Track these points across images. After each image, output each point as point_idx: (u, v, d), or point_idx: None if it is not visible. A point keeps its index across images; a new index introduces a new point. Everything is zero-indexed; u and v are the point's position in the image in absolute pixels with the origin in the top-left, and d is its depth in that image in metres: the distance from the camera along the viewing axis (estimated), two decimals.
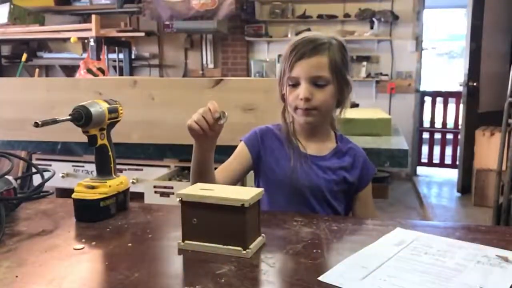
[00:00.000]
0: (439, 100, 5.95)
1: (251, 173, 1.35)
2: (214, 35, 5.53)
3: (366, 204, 1.36)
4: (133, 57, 5.40)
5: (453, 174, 5.25)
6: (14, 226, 1.03)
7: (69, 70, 5.48)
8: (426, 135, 5.88)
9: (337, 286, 0.74)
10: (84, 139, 1.10)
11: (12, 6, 4.62)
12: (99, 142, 1.10)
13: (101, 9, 5.20)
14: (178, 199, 0.89)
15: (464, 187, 4.73)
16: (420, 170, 5.75)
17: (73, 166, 2.78)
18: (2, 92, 2.35)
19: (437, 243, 0.92)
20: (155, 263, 0.86)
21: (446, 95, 6.03)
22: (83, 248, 0.90)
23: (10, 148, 2.32)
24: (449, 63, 9.61)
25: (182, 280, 0.79)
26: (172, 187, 2.44)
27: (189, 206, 0.89)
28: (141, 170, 2.69)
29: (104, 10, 5.21)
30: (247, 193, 0.88)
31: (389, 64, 5.30)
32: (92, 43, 4.17)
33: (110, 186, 1.09)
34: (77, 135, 1.16)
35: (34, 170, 1.22)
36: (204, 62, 5.65)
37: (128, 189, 1.15)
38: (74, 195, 1.08)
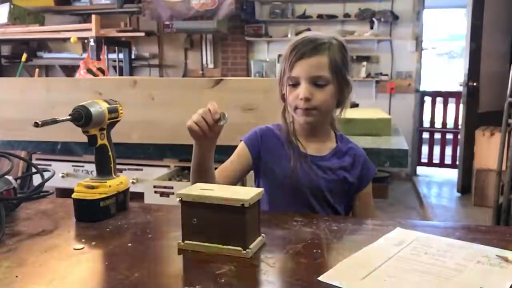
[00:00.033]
0: (439, 100, 5.95)
1: (251, 173, 1.35)
2: (214, 35, 5.53)
3: (366, 204, 1.36)
4: (133, 57, 5.40)
5: (453, 174, 5.25)
6: (14, 226, 1.03)
7: (69, 70, 5.49)
8: (426, 135, 5.88)
9: (337, 286, 0.74)
10: (84, 139, 1.10)
11: (12, 6, 4.62)
12: (99, 142, 1.10)
13: (101, 9, 5.20)
14: (178, 199, 0.89)
15: (464, 187, 4.73)
16: (420, 170, 5.75)
17: (73, 166, 2.78)
18: (2, 92, 2.35)
19: (437, 243, 0.92)
20: (155, 263, 0.86)
21: (446, 95, 6.03)
22: (83, 248, 0.90)
23: (10, 148, 2.32)
24: (449, 63, 9.61)
25: (182, 280, 0.79)
26: (172, 187, 2.44)
27: (189, 206, 0.89)
28: (141, 170, 2.69)
29: (104, 10, 5.21)
30: (247, 193, 0.88)
31: (389, 64, 5.30)
32: (92, 43, 4.16)
33: (110, 186, 1.09)
34: (77, 135, 1.16)
35: (34, 170, 1.22)
36: (204, 62, 5.65)
37: (128, 189, 1.15)
38: (74, 195, 1.08)
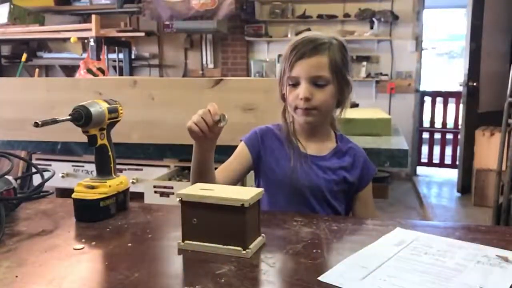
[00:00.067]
0: (439, 100, 5.95)
1: (251, 173, 1.35)
2: (214, 35, 5.53)
3: (367, 204, 1.36)
4: (133, 57, 5.40)
5: (453, 174, 5.25)
6: (14, 226, 1.03)
7: (69, 70, 5.49)
8: (426, 135, 5.89)
9: (337, 286, 0.74)
10: (84, 139, 1.10)
11: (12, 6, 4.62)
12: (99, 142, 1.10)
13: (101, 9, 5.20)
14: (178, 199, 0.89)
15: (464, 187, 4.73)
16: (420, 170, 5.75)
17: (73, 166, 2.78)
18: (2, 92, 2.35)
19: (437, 243, 0.92)
20: (155, 263, 0.86)
21: (446, 95, 6.03)
22: (83, 248, 0.90)
23: (10, 148, 2.32)
24: (449, 63, 9.61)
25: (182, 280, 0.79)
26: (172, 187, 2.44)
27: (189, 206, 0.89)
28: (141, 170, 2.69)
29: (104, 10, 5.21)
30: (247, 193, 0.88)
31: (389, 64, 5.30)
32: (92, 43, 4.16)
33: (110, 186, 1.09)
34: (77, 135, 1.16)
35: (34, 170, 1.22)
36: (204, 62, 5.65)
37: (128, 189, 1.15)
38: (74, 195, 1.08)
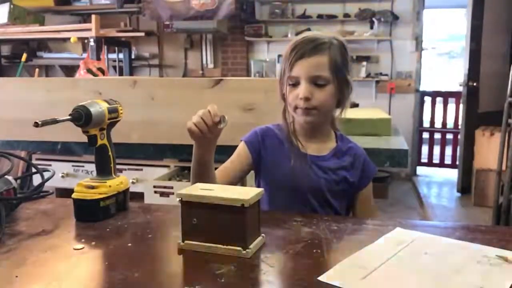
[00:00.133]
0: (439, 100, 5.95)
1: (251, 173, 1.35)
2: (214, 35, 5.53)
3: (367, 204, 1.35)
4: (133, 57, 5.40)
5: (453, 174, 5.25)
6: (14, 226, 1.03)
7: (69, 70, 5.49)
8: (426, 135, 5.88)
9: (337, 286, 0.74)
10: (84, 139, 1.10)
11: (12, 6, 4.61)
12: (99, 142, 1.10)
13: (101, 9, 5.20)
14: (178, 199, 0.89)
15: (464, 187, 4.73)
16: (420, 170, 5.75)
17: (73, 166, 2.78)
18: (2, 92, 2.35)
19: (437, 243, 0.92)
20: (155, 263, 0.86)
21: (446, 95, 6.03)
22: (83, 248, 0.90)
23: (10, 148, 2.32)
24: (449, 63, 9.60)
25: (182, 280, 0.79)
26: (172, 187, 2.44)
27: (189, 206, 0.89)
28: (141, 170, 2.69)
29: (104, 10, 5.21)
30: (247, 193, 0.88)
31: (389, 64, 5.30)
32: (92, 43, 4.16)
33: (110, 186, 1.09)
34: (77, 135, 1.16)
35: (34, 170, 1.22)
36: (204, 62, 5.65)
37: (128, 189, 1.15)
38: (74, 195, 1.08)
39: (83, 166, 2.76)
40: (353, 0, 5.24)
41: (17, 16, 4.65)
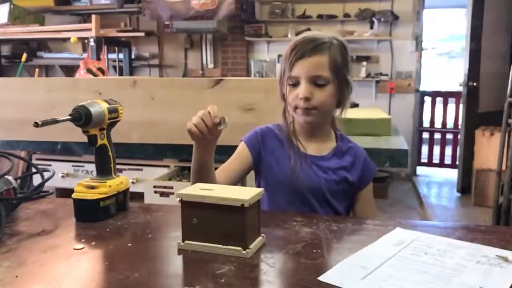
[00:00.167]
0: (439, 100, 5.95)
1: (251, 173, 1.35)
2: (214, 35, 5.53)
3: (367, 204, 1.35)
4: (133, 57, 5.40)
5: (453, 174, 5.25)
6: (14, 226, 1.03)
7: (69, 70, 5.49)
8: (426, 135, 5.88)
9: (337, 286, 0.74)
10: (84, 139, 1.10)
11: (12, 6, 4.61)
12: (99, 142, 1.10)
13: (101, 9, 5.20)
14: (178, 199, 0.89)
15: (464, 187, 4.73)
16: (420, 170, 5.75)
17: (73, 166, 2.78)
18: (2, 92, 2.35)
19: (437, 243, 0.92)
20: (155, 263, 0.86)
21: (446, 95, 6.03)
22: (83, 248, 0.90)
23: (10, 148, 2.32)
24: (449, 63, 9.60)
25: (182, 280, 0.79)
26: (172, 187, 2.44)
27: (189, 206, 0.89)
28: (141, 170, 2.69)
29: (104, 10, 5.21)
30: (247, 193, 0.88)
31: (389, 64, 5.30)
32: (92, 43, 4.16)
33: (110, 186, 1.09)
34: (77, 135, 1.16)
35: (34, 170, 1.22)
36: (204, 62, 5.65)
37: (128, 189, 1.15)
38: (74, 195, 1.08)
39: (83, 166, 2.76)
40: (353, 0, 5.24)
41: (17, 16, 4.65)
